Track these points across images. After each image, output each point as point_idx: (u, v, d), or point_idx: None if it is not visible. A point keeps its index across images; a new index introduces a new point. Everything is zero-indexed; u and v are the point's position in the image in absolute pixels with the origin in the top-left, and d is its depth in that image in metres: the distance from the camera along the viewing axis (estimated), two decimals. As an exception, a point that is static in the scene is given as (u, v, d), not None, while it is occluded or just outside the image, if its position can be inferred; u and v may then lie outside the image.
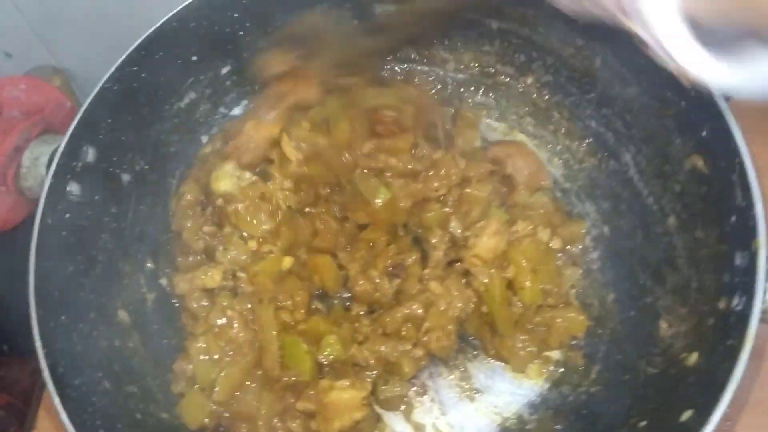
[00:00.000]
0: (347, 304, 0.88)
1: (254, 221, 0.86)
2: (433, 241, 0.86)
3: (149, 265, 0.91)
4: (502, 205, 0.90)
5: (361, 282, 0.84)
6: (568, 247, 0.91)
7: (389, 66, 1.01)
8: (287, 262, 0.87)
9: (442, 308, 0.83)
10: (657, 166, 0.84)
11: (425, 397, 0.87)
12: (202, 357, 0.81)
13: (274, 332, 0.81)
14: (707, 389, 0.65)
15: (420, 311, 0.83)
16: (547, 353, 0.87)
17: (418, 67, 1.03)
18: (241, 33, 0.92)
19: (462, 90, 1.02)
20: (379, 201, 0.84)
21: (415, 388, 0.87)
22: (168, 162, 0.95)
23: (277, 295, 0.84)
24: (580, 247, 0.91)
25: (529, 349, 0.85)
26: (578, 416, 0.83)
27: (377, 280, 0.83)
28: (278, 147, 0.88)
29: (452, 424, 0.86)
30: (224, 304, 0.83)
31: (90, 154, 0.82)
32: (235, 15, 0.90)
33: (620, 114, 0.89)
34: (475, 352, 0.89)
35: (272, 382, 0.81)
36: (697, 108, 0.76)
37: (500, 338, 0.84)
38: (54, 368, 0.71)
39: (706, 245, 0.76)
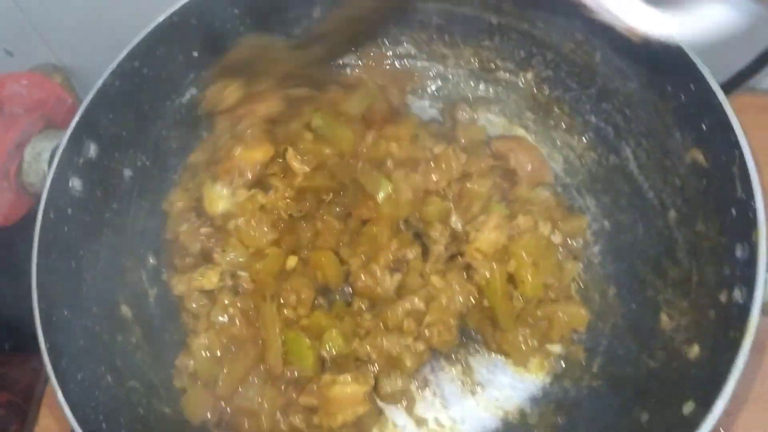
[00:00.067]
0: (349, 299, 0.89)
1: (256, 234, 0.85)
2: (434, 235, 0.86)
3: (151, 260, 0.91)
4: (503, 199, 0.90)
5: (362, 277, 0.84)
6: (569, 241, 0.91)
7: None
8: (291, 261, 0.87)
9: (443, 302, 0.83)
10: (657, 160, 0.85)
11: (427, 391, 0.87)
12: (204, 353, 0.81)
13: (278, 329, 0.82)
14: (709, 382, 0.66)
15: (421, 305, 0.83)
16: (549, 347, 0.87)
17: (418, 63, 1.03)
18: (242, 29, 0.92)
19: (462, 85, 1.03)
20: (381, 194, 0.84)
21: (416, 383, 0.87)
22: (169, 158, 0.95)
23: (280, 292, 0.84)
24: (581, 241, 0.91)
25: (530, 343, 0.85)
26: (580, 410, 0.84)
27: (379, 275, 0.84)
28: (276, 163, 0.88)
29: (454, 418, 0.86)
30: (226, 302, 0.83)
31: (92, 150, 0.82)
32: (236, 11, 0.90)
33: (620, 108, 0.89)
34: (476, 347, 0.89)
35: (275, 378, 0.81)
36: (696, 102, 0.76)
37: (501, 332, 0.85)
38: (56, 363, 0.71)
39: (707, 238, 0.76)
